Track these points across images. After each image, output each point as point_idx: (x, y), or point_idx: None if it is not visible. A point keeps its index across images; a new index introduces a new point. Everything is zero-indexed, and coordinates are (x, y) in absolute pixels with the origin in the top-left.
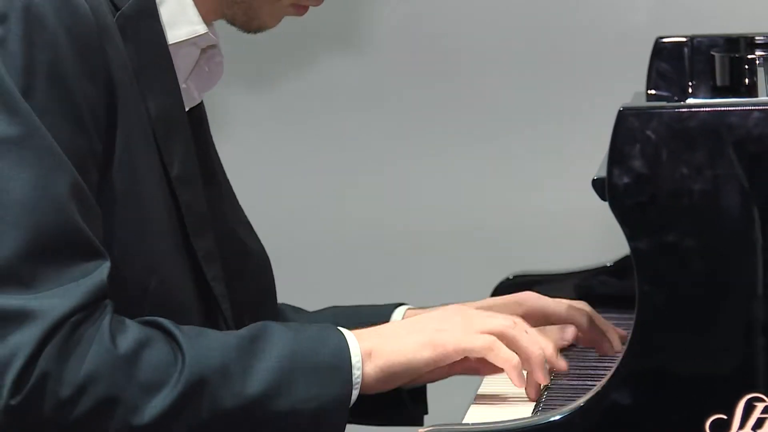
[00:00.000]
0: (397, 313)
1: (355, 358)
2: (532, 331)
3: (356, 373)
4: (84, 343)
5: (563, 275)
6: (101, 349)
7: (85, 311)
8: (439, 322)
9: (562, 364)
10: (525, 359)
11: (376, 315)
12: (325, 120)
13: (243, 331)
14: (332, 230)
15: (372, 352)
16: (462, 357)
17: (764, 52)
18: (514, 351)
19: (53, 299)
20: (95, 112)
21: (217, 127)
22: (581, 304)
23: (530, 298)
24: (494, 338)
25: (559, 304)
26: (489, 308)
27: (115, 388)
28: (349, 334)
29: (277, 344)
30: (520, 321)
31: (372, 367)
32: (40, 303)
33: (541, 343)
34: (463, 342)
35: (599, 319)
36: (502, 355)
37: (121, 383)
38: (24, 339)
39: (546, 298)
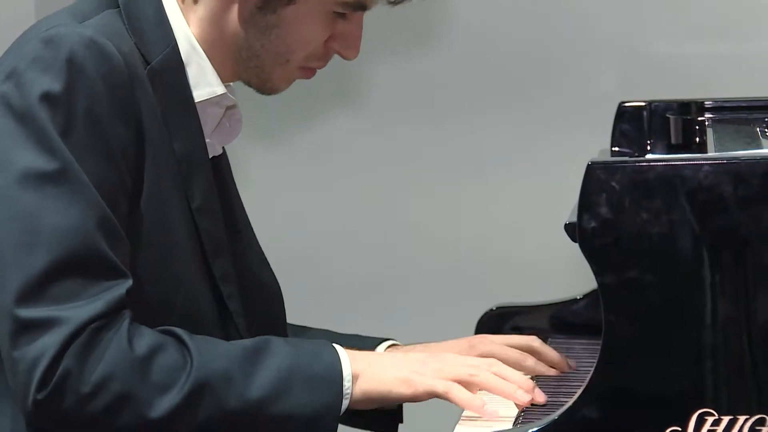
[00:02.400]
0: (381, 348)
1: (346, 371)
2: (504, 369)
3: (347, 385)
4: (103, 346)
5: (540, 306)
6: (118, 352)
7: (105, 318)
8: (417, 365)
9: (540, 398)
10: (500, 395)
11: (361, 345)
12: (327, 170)
13: (247, 342)
14: (332, 263)
15: (360, 375)
16: (430, 397)
17: (712, 114)
18: (489, 390)
19: (76, 309)
20: (125, 150)
21: (237, 176)
22: (527, 342)
23: (482, 342)
24: (454, 384)
25: (504, 350)
26: (443, 350)
27: (129, 386)
28: (342, 352)
29: (278, 356)
30: (485, 370)
31: (357, 388)
32: (65, 312)
33: (511, 378)
34: (431, 386)
35: (545, 351)
36: (462, 397)
37: (135, 382)
38: (50, 341)
39: (495, 342)
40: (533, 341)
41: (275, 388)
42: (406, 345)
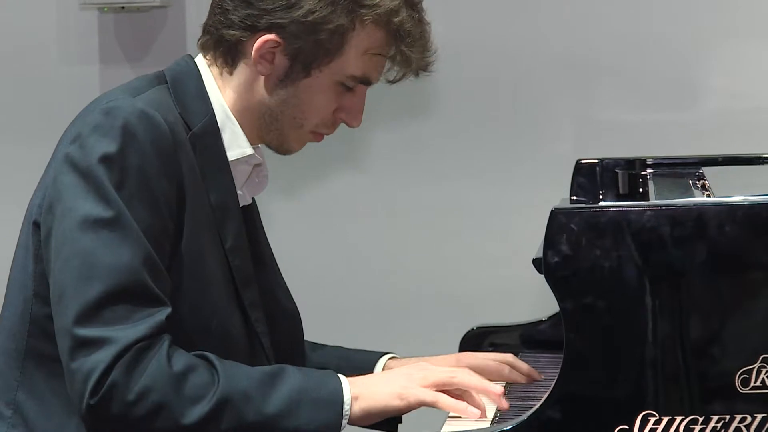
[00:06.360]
0: (382, 361)
1: (347, 396)
2: (474, 375)
3: (346, 407)
4: (145, 363)
5: (512, 327)
6: (158, 368)
7: (148, 340)
8: (405, 379)
9: (501, 395)
10: (477, 391)
11: (367, 359)
12: (334, 217)
13: (267, 368)
14: (341, 291)
15: (359, 396)
16: (421, 406)
17: (653, 169)
18: (464, 389)
19: (124, 331)
20: (169, 202)
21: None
22: (504, 357)
23: (467, 356)
24: (440, 393)
25: (485, 362)
26: (435, 363)
27: (166, 397)
28: (344, 380)
29: (290, 380)
30: (461, 372)
31: (357, 407)
32: (115, 333)
33: (483, 382)
34: (421, 398)
35: (518, 363)
36: (448, 403)
37: (171, 394)
38: (101, 357)
39: (478, 357)
40: (509, 356)
41: (287, 407)
42: (403, 357)
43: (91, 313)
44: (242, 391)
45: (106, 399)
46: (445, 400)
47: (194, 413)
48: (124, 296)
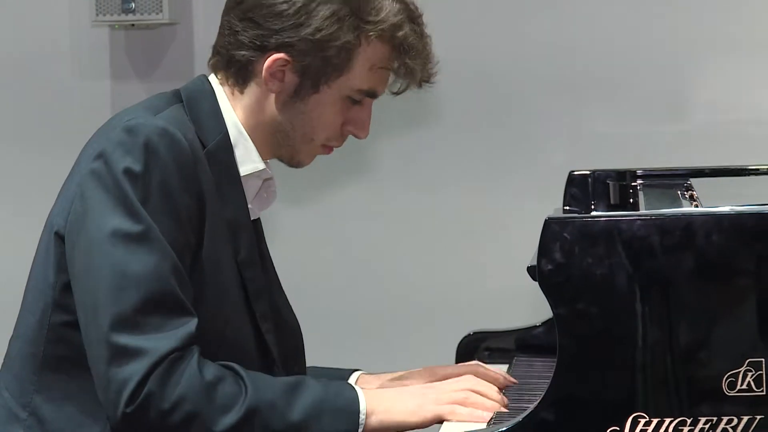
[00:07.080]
0: (353, 377)
1: (362, 407)
2: (485, 386)
3: (362, 417)
4: (179, 373)
5: (507, 332)
6: (191, 379)
7: (180, 351)
8: (420, 398)
9: (504, 401)
10: (483, 410)
11: (339, 375)
12: (333, 225)
13: (289, 378)
14: (337, 297)
15: (375, 410)
16: (437, 421)
17: (643, 180)
18: (473, 407)
19: (158, 342)
20: (190, 216)
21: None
22: (471, 364)
23: (436, 367)
24: (455, 405)
25: (458, 370)
26: (406, 377)
27: (199, 406)
28: (360, 391)
29: (311, 391)
30: (473, 392)
31: (373, 420)
32: (149, 343)
33: (490, 399)
34: (438, 413)
35: (485, 372)
36: (464, 413)
37: (204, 403)
38: (137, 368)
39: (446, 366)
40: (477, 366)
41: (309, 416)
42: (375, 373)
43: (126, 322)
44: (268, 400)
45: (143, 408)
46: (461, 411)
47: (225, 422)
48: (156, 305)
